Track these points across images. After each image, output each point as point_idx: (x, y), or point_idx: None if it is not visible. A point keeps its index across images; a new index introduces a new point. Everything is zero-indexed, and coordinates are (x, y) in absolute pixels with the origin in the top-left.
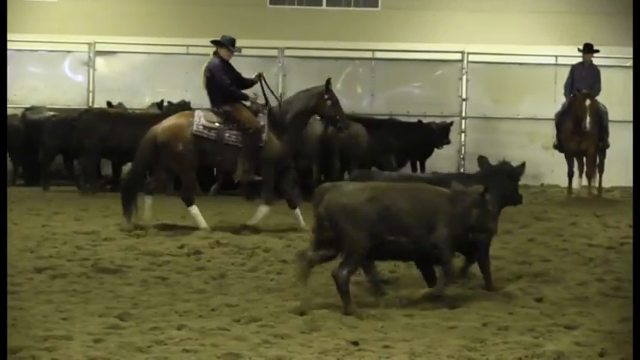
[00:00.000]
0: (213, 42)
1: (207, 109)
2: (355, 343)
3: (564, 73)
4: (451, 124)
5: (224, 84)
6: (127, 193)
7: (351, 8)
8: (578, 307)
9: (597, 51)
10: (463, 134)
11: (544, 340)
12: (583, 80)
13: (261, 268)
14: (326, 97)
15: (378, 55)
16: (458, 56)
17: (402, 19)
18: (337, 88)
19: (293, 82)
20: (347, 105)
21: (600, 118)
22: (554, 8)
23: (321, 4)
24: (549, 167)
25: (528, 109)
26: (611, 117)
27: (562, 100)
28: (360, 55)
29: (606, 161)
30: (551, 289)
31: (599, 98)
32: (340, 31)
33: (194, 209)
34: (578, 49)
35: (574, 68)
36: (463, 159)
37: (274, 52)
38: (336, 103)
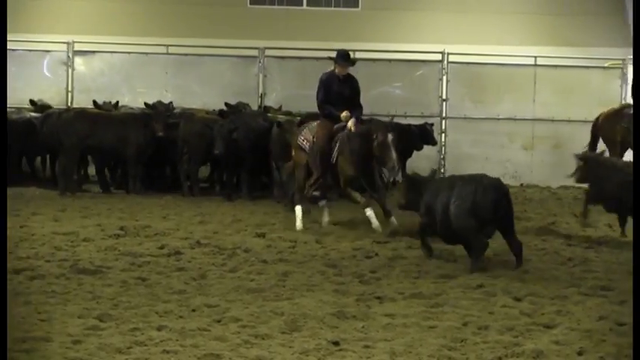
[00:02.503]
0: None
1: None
2: (336, 343)
3: (543, 74)
4: (432, 125)
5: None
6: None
7: (331, 8)
8: (557, 306)
9: None
10: (443, 134)
11: (523, 339)
12: None
13: (241, 268)
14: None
15: (359, 55)
16: (438, 57)
17: (382, 20)
18: None
19: (273, 82)
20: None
21: None
22: (534, 9)
23: (301, 4)
24: (528, 167)
25: (508, 109)
26: (585, 116)
27: (542, 100)
28: None
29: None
30: (530, 289)
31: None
32: (321, 31)
33: (298, 210)
34: None
35: None
36: (443, 159)
37: (254, 52)
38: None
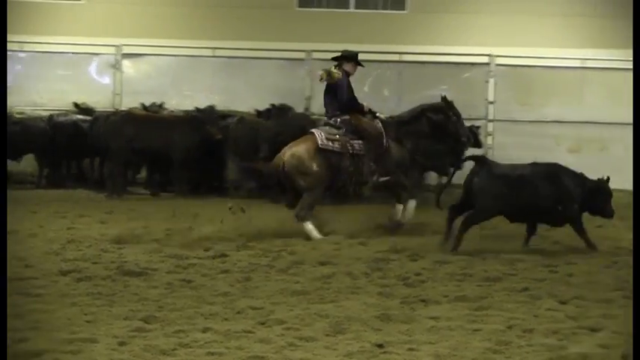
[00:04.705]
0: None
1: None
2: (380, 346)
3: (591, 77)
4: (478, 127)
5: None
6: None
7: (378, 11)
8: (603, 310)
9: None
10: (490, 137)
11: (568, 342)
12: None
13: (286, 270)
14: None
15: (406, 58)
16: (485, 59)
17: (429, 22)
18: (364, 90)
19: (320, 84)
20: (374, 107)
21: None
22: (581, 11)
23: (348, 7)
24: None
25: (555, 111)
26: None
27: (589, 103)
28: (387, 58)
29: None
30: (575, 292)
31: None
32: (368, 34)
33: (308, 225)
34: None
35: None
36: None
37: (302, 55)
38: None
